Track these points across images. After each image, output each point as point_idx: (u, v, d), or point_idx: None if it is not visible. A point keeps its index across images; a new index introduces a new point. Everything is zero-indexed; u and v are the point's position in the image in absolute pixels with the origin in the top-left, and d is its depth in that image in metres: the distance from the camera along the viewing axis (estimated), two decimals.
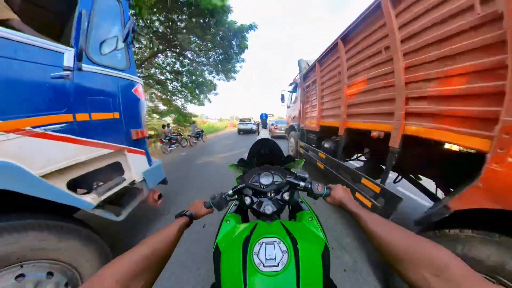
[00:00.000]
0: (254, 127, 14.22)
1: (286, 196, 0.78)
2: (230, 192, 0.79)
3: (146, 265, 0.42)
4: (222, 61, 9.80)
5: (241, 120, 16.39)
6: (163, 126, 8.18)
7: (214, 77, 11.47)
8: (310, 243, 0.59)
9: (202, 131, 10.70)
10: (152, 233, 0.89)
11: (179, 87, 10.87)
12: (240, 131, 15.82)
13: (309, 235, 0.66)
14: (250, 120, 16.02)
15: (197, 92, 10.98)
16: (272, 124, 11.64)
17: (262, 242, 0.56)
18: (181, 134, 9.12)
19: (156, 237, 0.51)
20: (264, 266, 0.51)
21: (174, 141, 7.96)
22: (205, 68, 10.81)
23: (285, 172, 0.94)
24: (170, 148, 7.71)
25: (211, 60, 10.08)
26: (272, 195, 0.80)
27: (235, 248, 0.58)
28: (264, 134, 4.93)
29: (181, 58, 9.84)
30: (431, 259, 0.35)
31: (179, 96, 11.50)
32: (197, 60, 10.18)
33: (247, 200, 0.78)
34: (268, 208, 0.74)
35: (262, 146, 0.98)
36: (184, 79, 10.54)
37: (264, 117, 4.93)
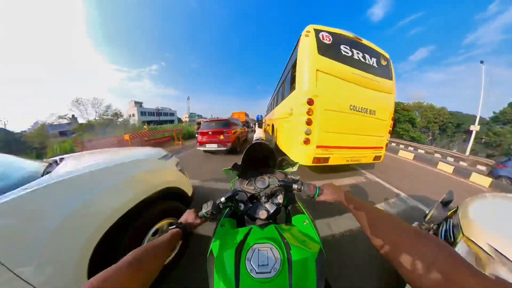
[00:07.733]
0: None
1: (279, 199, 0.77)
2: (223, 199, 0.73)
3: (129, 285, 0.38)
4: None
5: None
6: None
7: None
8: (303, 248, 0.57)
9: None
10: None
11: None
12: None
13: (303, 239, 0.64)
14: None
15: None
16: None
17: (255, 248, 0.55)
18: None
19: (142, 251, 0.46)
20: (256, 273, 0.50)
21: None
22: None
23: (280, 175, 0.96)
24: None
25: None
26: (265, 199, 0.80)
27: (228, 253, 0.56)
28: (258, 132, 6.59)
29: None
30: (420, 252, 0.34)
31: None
32: None
33: (241, 206, 0.77)
34: (263, 212, 0.73)
35: (257, 150, 0.97)
36: None
37: (260, 118, 7.45)
